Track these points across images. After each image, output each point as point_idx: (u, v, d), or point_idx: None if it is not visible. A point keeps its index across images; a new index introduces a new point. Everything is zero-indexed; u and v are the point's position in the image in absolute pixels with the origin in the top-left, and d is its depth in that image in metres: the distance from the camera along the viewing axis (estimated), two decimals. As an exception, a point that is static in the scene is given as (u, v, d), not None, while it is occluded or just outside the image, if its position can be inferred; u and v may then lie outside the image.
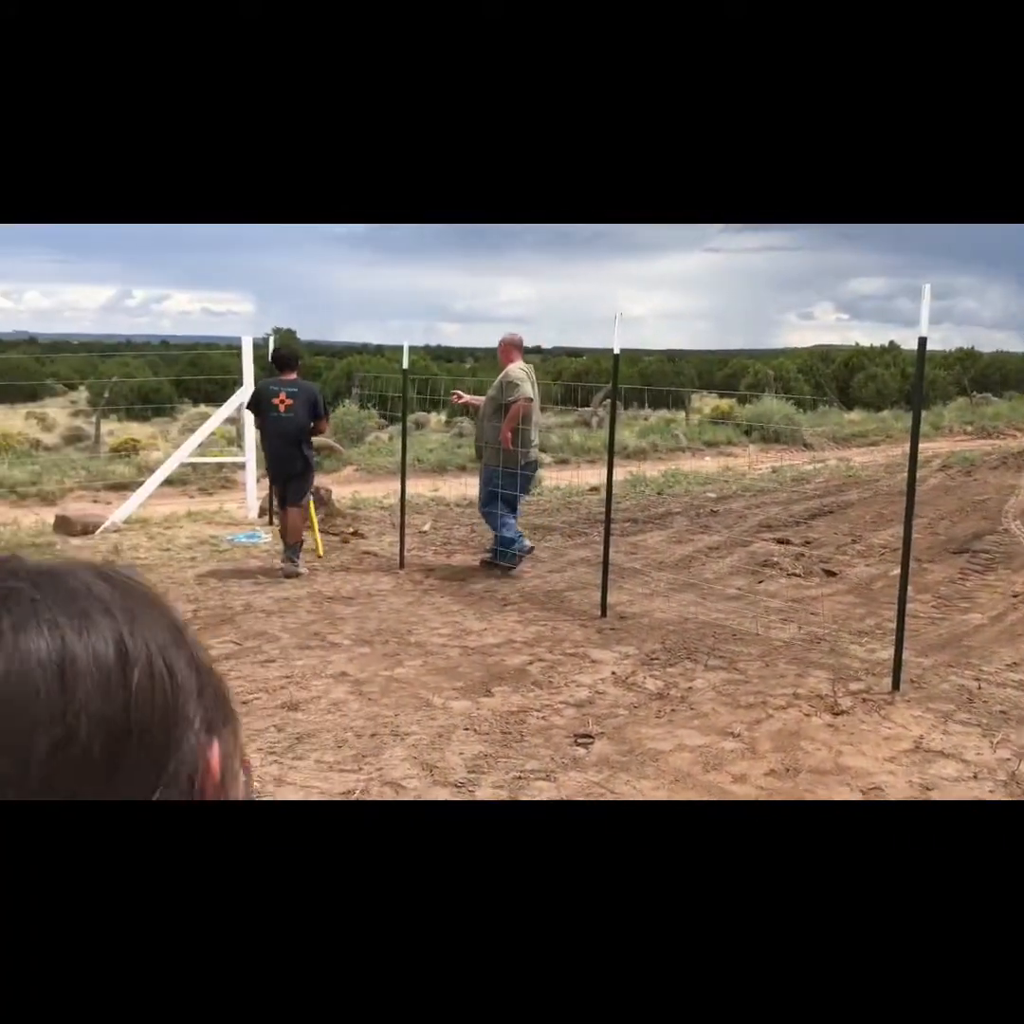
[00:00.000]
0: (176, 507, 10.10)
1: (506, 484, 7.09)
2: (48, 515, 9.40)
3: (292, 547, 7.32)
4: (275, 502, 8.13)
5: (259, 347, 10.22)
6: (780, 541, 8.56)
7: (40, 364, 34.12)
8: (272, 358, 7.76)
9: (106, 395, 16.90)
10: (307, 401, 7.16)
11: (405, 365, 7.46)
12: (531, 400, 6.98)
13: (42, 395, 31.60)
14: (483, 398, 7.51)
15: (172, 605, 0.50)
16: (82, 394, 29.03)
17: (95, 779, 0.43)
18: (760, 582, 7.33)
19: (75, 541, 8.54)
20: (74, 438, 17.75)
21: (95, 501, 11.33)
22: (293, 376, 7.32)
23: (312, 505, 7.81)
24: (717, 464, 15.26)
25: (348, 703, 4.69)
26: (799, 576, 7.45)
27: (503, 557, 7.30)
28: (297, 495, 7.34)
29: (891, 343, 33.61)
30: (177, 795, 0.46)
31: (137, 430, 19.03)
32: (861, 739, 4.38)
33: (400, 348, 7.62)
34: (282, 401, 7.14)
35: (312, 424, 7.23)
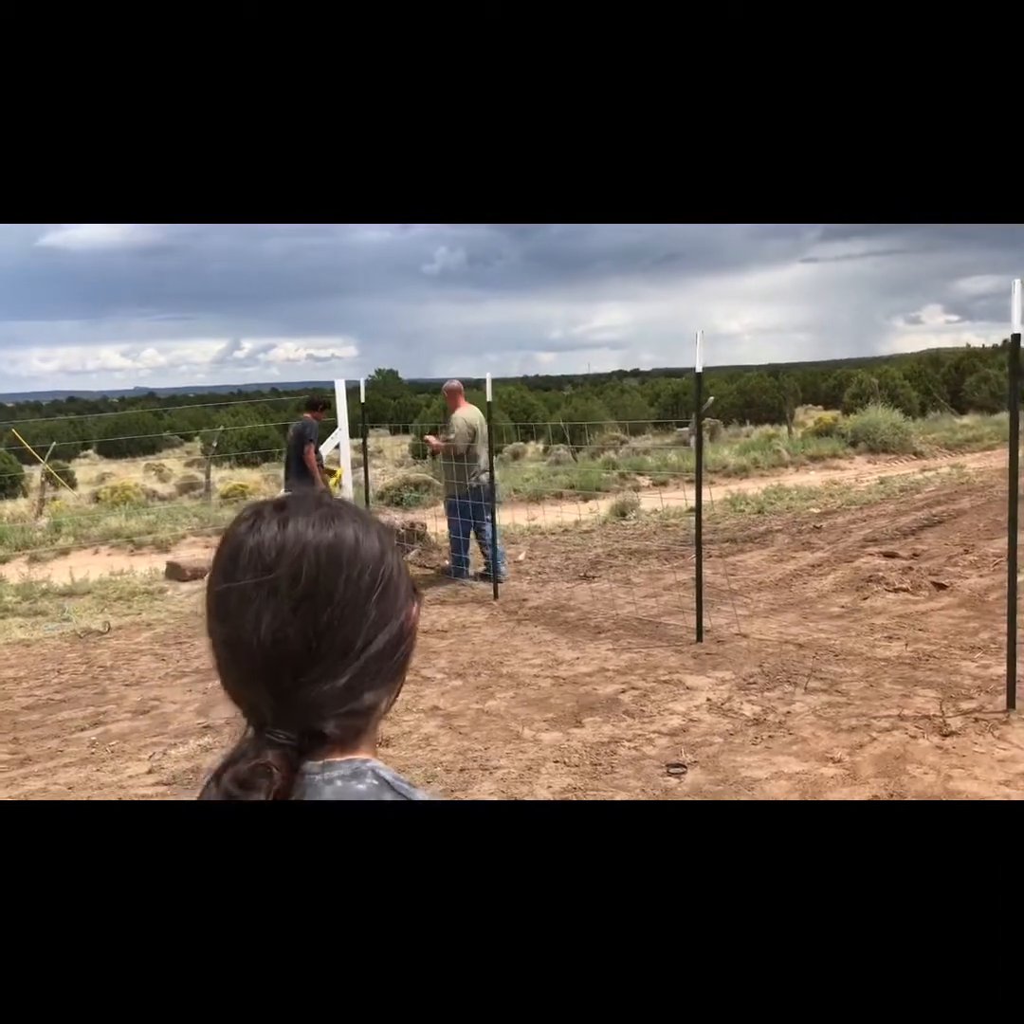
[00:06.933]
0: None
1: (461, 511, 8.26)
2: (161, 562, 9.80)
3: None
4: None
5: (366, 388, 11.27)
6: (887, 555, 8.22)
7: (158, 418, 35.73)
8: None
9: (214, 444, 17.57)
10: (297, 433, 9.48)
11: (488, 397, 7.52)
12: (464, 445, 8.10)
13: (160, 448, 33.11)
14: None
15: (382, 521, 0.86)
16: (197, 445, 30.30)
17: (385, 598, 0.83)
18: (865, 599, 7.05)
19: (185, 586, 8.86)
20: (188, 487, 18.49)
21: (206, 547, 11.75)
22: (308, 416, 9.55)
23: None
24: (822, 478, 14.81)
25: (439, 737, 4.70)
26: (906, 591, 7.13)
27: (459, 575, 8.49)
28: None
29: (1005, 342, 32.14)
30: (398, 626, 0.84)
31: (247, 476, 19.72)
32: (973, 762, 4.13)
33: (494, 381, 8.25)
34: (289, 435, 9.67)
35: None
